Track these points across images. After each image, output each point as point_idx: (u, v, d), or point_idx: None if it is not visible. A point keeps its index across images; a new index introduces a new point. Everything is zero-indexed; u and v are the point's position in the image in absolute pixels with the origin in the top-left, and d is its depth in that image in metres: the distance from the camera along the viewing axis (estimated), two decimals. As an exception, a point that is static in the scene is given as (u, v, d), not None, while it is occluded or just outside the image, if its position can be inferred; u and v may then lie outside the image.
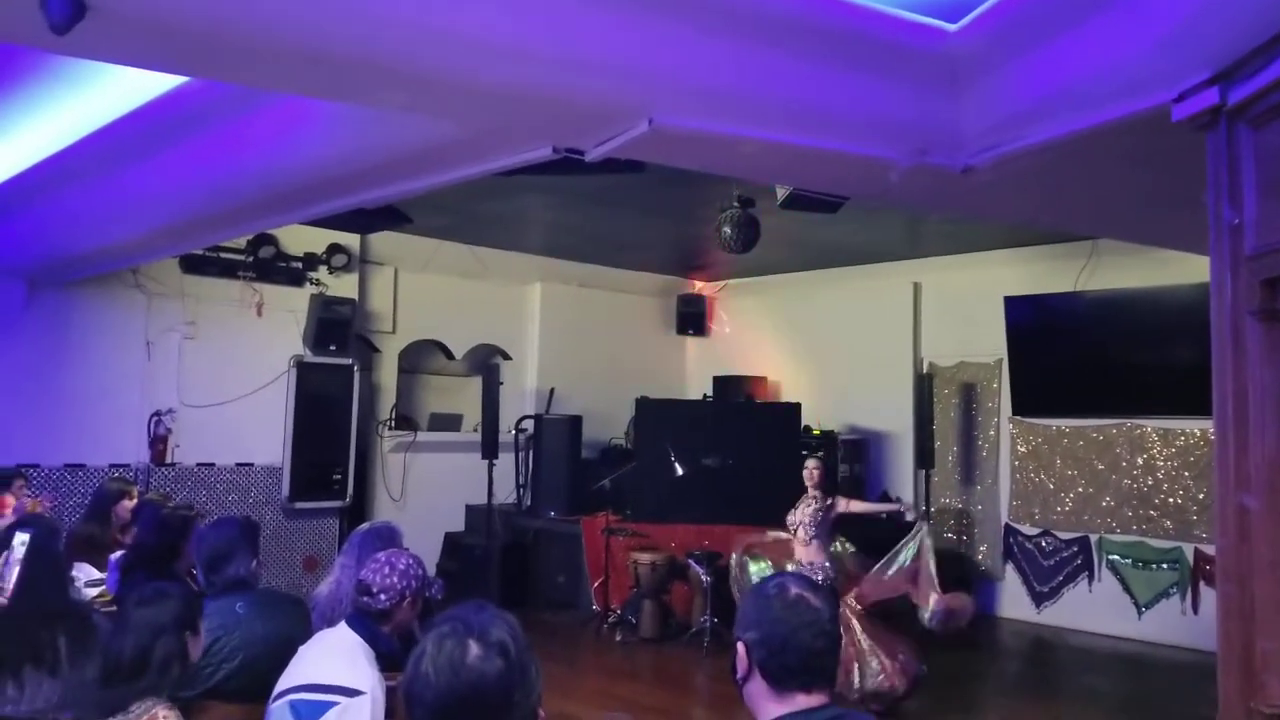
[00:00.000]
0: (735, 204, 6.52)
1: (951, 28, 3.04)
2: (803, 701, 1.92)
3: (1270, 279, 2.38)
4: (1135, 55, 2.71)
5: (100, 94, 4.00)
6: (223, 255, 7.69)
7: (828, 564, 5.95)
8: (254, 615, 3.24)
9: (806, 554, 6.00)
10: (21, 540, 2.72)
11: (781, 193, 4.84)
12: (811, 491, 6.11)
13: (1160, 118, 2.66)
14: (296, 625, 3.33)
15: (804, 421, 9.14)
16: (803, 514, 6.05)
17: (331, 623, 3.36)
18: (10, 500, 5.36)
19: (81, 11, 2.28)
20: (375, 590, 3.01)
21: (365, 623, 3.00)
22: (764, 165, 3.72)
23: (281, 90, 3.24)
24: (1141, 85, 2.70)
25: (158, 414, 7.42)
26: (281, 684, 2.80)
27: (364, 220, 5.23)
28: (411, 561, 3.14)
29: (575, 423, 9.29)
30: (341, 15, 2.43)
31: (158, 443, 7.39)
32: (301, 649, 2.97)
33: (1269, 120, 2.41)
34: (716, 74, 2.95)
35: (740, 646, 1.98)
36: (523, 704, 1.65)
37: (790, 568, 5.96)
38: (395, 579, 3.04)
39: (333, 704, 2.69)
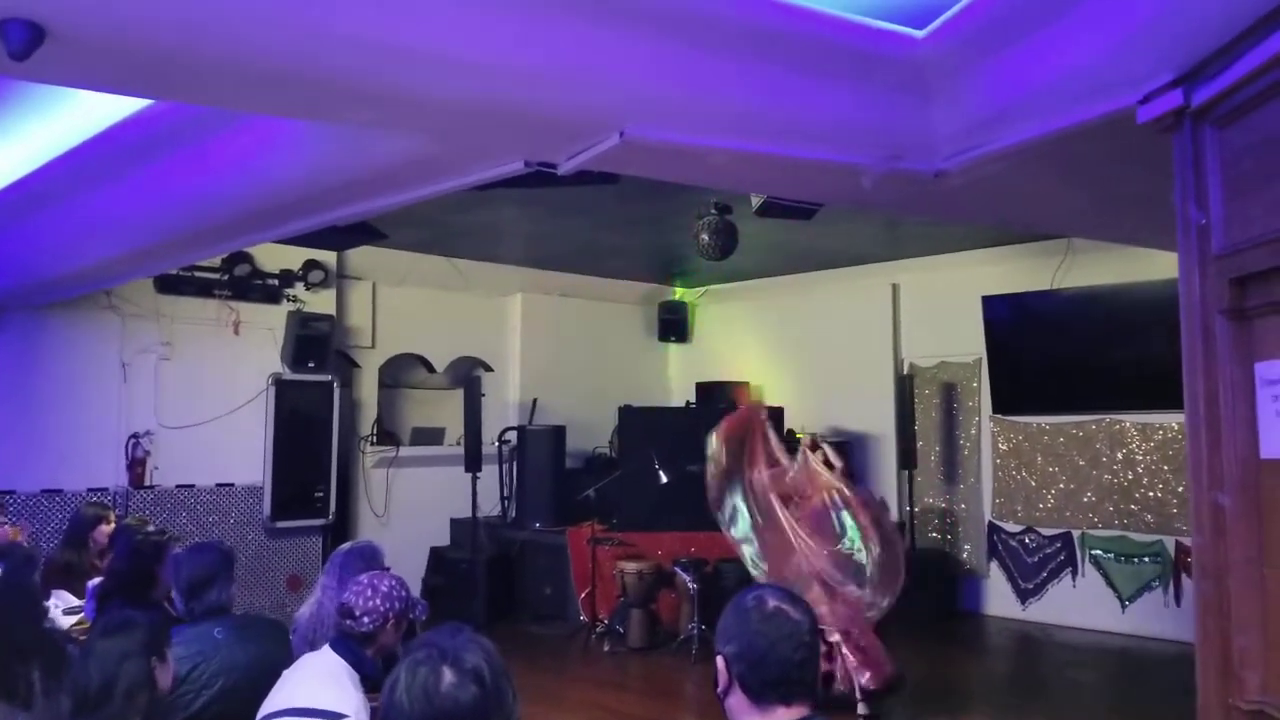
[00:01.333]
0: (713, 211, 6.54)
1: (919, 34, 3.05)
2: (783, 715, 1.92)
3: (1238, 278, 2.40)
4: (1100, 58, 2.73)
5: (69, 116, 3.96)
6: (198, 274, 7.62)
7: None
8: (233, 640, 3.21)
9: None
10: (-7, 574, 2.69)
11: (756, 201, 4.85)
12: None
13: (1127, 119, 2.68)
14: (276, 649, 3.30)
15: (787, 425, 9.16)
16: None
17: (314, 645, 3.34)
18: (-11, 529, 5.29)
19: (40, 37, 2.27)
20: (358, 614, 2.99)
21: (349, 645, 2.98)
22: (736, 175, 3.73)
23: (246, 110, 3.22)
24: (1107, 88, 2.72)
25: (135, 436, 7.35)
26: (265, 708, 2.79)
27: (338, 237, 5.21)
28: (394, 583, 3.12)
29: (559, 433, 9.27)
30: (304, 35, 2.41)
31: (136, 465, 7.31)
32: (286, 672, 2.96)
33: (1232, 121, 2.43)
34: (687, 85, 2.95)
35: (720, 660, 1.98)
36: (499, 730, 1.64)
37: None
38: (378, 602, 3.02)
39: (316, 728, 2.68)
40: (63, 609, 4.49)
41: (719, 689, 1.99)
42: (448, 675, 1.63)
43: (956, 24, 2.93)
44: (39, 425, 6.94)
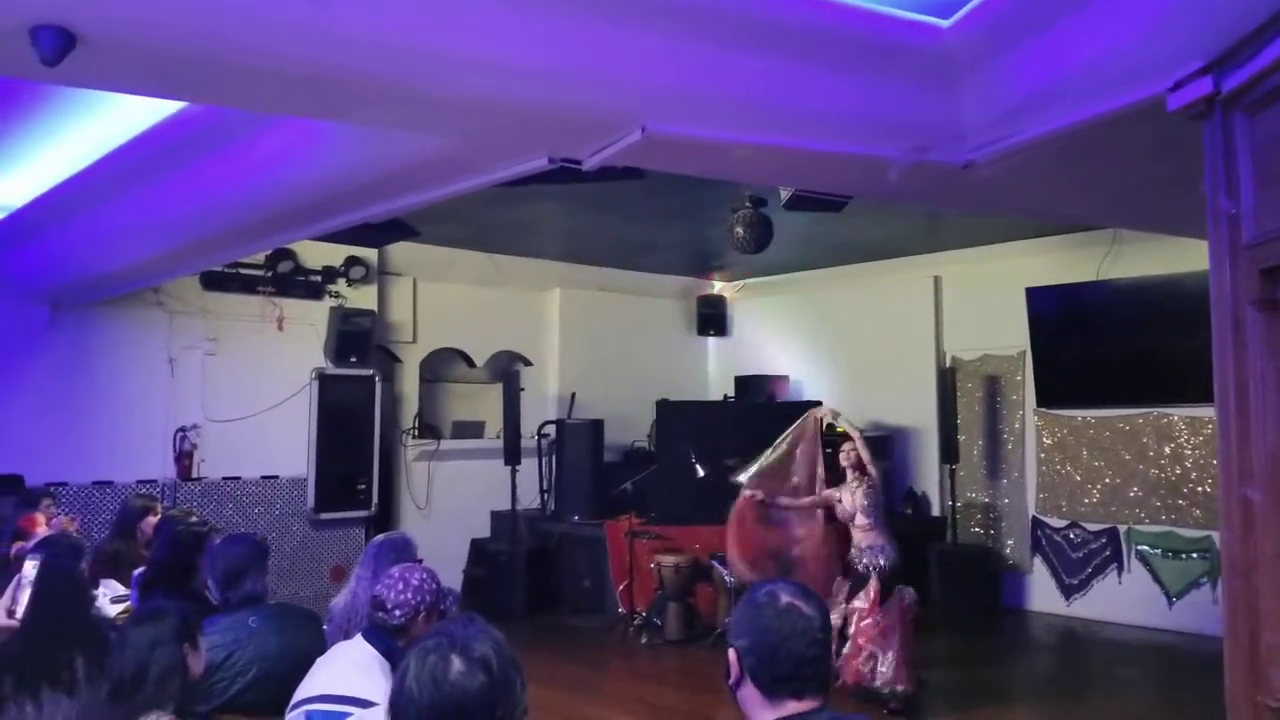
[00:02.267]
0: (747, 204, 6.52)
1: (944, 24, 3.02)
2: (794, 708, 1.93)
3: (1269, 268, 2.35)
4: (1129, 45, 2.68)
5: (110, 118, 4.08)
6: (242, 271, 7.78)
7: (888, 545, 5.98)
8: (267, 629, 3.27)
9: (869, 538, 6.01)
10: (33, 563, 2.77)
11: (785, 194, 4.83)
12: (851, 476, 6.15)
13: (1157, 107, 2.63)
14: (309, 638, 3.36)
15: (826, 419, 9.09)
16: (856, 499, 6.05)
17: (348, 634, 3.39)
18: (40, 518, 5.43)
19: (71, 44, 2.33)
20: (390, 606, 3.02)
21: (381, 636, 3.02)
22: (760, 168, 3.72)
23: (273, 112, 3.28)
24: (1136, 75, 2.67)
25: (183, 429, 7.51)
26: (299, 694, 2.85)
27: (371, 234, 5.28)
28: (425, 576, 3.15)
29: (597, 426, 9.30)
30: (326, 39, 2.45)
31: (183, 458, 7.48)
32: (319, 660, 3.01)
33: (1263, 107, 2.38)
34: (707, 79, 2.95)
35: (732, 653, 2.00)
36: (505, 719, 1.66)
37: (854, 552, 6.05)
38: (409, 595, 3.05)
39: (346, 715, 2.73)
40: (110, 597, 4.60)
41: (730, 681, 2.01)
42: (456, 663, 1.65)
43: (982, 12, 2.90)
44: (90, 419, 7.12)
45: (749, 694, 1.98)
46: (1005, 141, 3.22)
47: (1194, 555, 7.75)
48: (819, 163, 3.43)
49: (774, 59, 2.97)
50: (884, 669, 5.68)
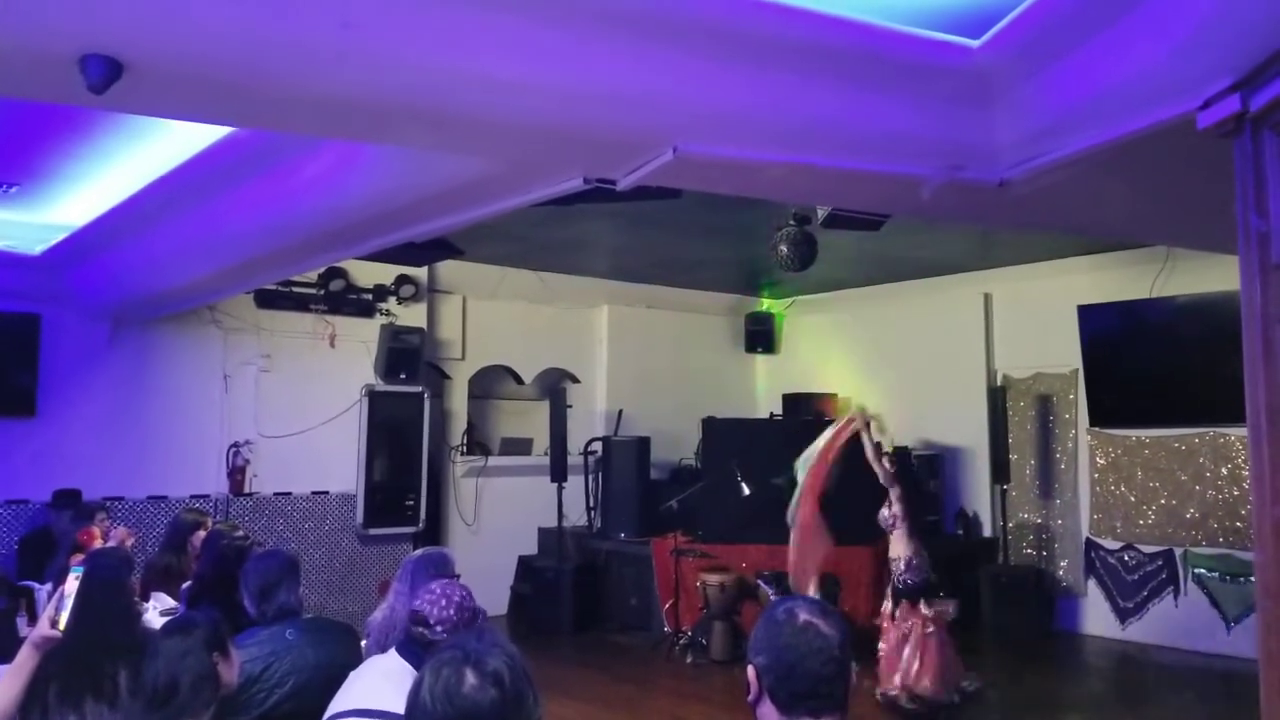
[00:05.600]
0: (791, 222, 6.50)
1: (974, 44, 3.03)
2: (812, 726, 1.93)
3: (1299, 287, 2.31)
4: (1158, 63, 2.66)
5: (166, 141, 4.23)
6: (295, 290, 7.94)
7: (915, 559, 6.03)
8: (304, 642, 3.33)
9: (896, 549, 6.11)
10: (75, 574, 2.83)
11: (822, 212, 4.82)
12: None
13: (1188, 125, 2.61)
14: (346, 651, 3.41)
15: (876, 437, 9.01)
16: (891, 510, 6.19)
17: (385, 649, 3.45)
18: (97, 532, 5.58)
19: (118, 73, 2.43)
20: (433, 622, 3.05)
21: (414, 650, 3.06)
22: (793, 187, 3.73)
23: (310, 134, 3.38)
24: (1166, 93, 2.65)
25: (236, 445, 7.68)
26: (332, 708, 2.88)
27: (417, 253, 5.37)
28: (465, 594, 3.18)
29: (643, 444, 9.31)
30: (358, 63, 2.53)
31: (236, 473, 7.64)
32: (352, 674, 3.05)
33: (1293, 125, 2.35)
34: (737, 100, 2.98)
35: (751, 670, 2.00)
36: (518, 734, 1.69)
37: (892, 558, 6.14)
38: (451, 611, 3.07)
39: (378, 729, 2.77)
40: (160, 610, 4.72)
41: (750, 698, 2.01)
42: (469, 677, 1.68)
43: (1011, 32, 2.90)
44: (147, 434, 7.31)
45: (767, 711, 1.98)
46: (1039, 160, 3.20)
47: (1252, 579, 7.51)
48: (852, 182, 3.43)
49: (804, 79, 2.99)
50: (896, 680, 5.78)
